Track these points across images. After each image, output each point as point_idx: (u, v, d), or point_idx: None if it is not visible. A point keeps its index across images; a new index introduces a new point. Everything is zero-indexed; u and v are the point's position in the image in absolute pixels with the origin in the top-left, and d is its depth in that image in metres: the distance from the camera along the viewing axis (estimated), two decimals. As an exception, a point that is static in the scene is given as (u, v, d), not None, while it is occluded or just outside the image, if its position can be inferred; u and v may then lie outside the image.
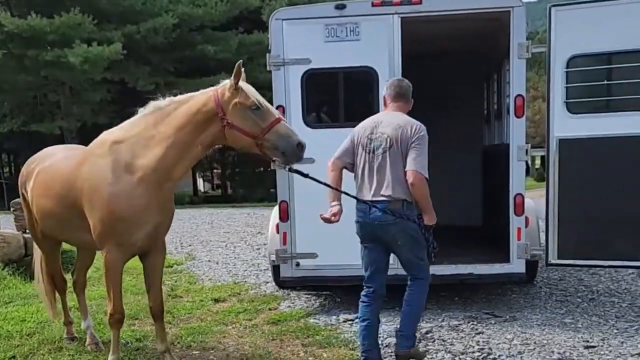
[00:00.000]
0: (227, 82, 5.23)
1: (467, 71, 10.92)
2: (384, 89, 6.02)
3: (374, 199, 5.54)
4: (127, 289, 9.37)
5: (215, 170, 52.43)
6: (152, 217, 5.36)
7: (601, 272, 9.64)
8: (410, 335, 5.79)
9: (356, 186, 5.78)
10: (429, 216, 5.59)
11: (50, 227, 6.09)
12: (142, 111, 5.48)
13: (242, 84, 5.20)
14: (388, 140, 5.54)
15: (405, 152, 5.47)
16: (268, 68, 7.57)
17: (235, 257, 12.72)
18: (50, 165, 5.99)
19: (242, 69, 5.18)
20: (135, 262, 11.10)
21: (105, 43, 30.23)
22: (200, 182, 53.47)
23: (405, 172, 5.44)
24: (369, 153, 5.62)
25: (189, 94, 5.42)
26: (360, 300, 5.86)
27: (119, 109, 33.69)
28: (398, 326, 5.89)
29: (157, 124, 5.32)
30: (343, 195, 5.70)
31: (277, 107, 7.34)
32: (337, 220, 5.63)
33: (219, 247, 14.47)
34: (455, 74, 10.64)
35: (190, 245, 14.87)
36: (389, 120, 5.68)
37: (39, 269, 6.85)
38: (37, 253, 6.87)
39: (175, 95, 5.49)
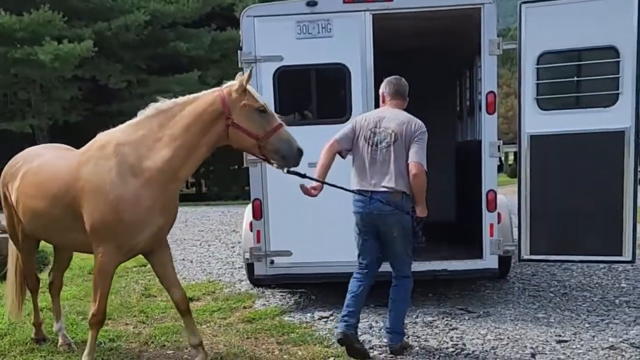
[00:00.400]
0: (232, 84, 5.39)
1: (440, 68, 10.95)
2: (382, 87, 6.30)
3: (375, 189, 5.88)
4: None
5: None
6: (157, 218, 5.38)
7: (573, 267, 9.73)
8: (401, 331, 6.20)
9: (355, 176, 6.06)
10: (421, 208, 5.99)
11: (37, 228, 5.98)
12: (143, 113, 5.49)
13: (248, 86, 5.36)
14: (393, 135, 5.90)
15: (408, 146, 5.86)
16: (240, 65, 7.52)
17: (209, 256, 12.66)
18: (41, 165, 5.89)
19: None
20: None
21: (75, 40, 29.89)
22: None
23: (407, 166, 5.84)
24: (371, 146, 5.95)
25: (192, 95, 5.51)
26: (353, 277, 6.20)
27: (91, 106, 33.45)
28: (388, 325, 6.20)
29: (163, 125, 5.36)
30: (319, 196, 6.01)
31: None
32: (315, 195, 5.94)
33: (193, 246, 14.37)
34: (427, 70, 10.65)
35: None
36: (392, 116, 6.04)
37: (13, 270, 6.77)
38: (13, 253, 6.76)
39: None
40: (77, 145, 6.17)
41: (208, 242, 14.93)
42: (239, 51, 7.54)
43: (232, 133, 5.32)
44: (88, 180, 5.33)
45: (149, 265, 11.24)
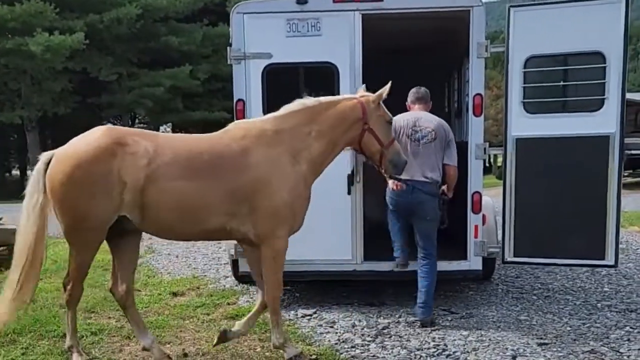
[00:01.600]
0: (367, 95, 6.02)
1: (429, 69, 10.93)
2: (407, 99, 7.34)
3: (418, 179, 6.87)
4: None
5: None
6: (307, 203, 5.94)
7: (557, 270, 9.75)
8: (431, 305, 7.10)
9: None
10: (451, 192, 7.15)
11: (172, 209, 5.39)
12: (288, 107, 5.86)
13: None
14: (433, 133, 6.95)
15: (444, 144, 6.99)
16: (229, 62, 7.53)
17: (195, 251, 12.64)
18: (187, 146, 5.58)
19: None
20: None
21: (67, 32, 29.83)
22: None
23: (442, 160, 7.02)
24: (414, 141, 6.95)
25: (332, 97, 6.13)
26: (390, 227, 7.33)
27: (80, 98, 33.35)
28: (420, 301, 7.02)
29: (311, 121, 5.81)
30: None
31: (238, 102, 7.41)
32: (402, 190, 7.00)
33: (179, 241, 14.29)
34: (416, 71, 10.63)
35: (150, 239, 14.66)
36: (426, 117, 7.09)
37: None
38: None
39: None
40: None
41: (195, 237, 14.83)
42: (228, 47, 7.54)
43: (366, 137, 5.94)
44: (261, 168, 5.59)
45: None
